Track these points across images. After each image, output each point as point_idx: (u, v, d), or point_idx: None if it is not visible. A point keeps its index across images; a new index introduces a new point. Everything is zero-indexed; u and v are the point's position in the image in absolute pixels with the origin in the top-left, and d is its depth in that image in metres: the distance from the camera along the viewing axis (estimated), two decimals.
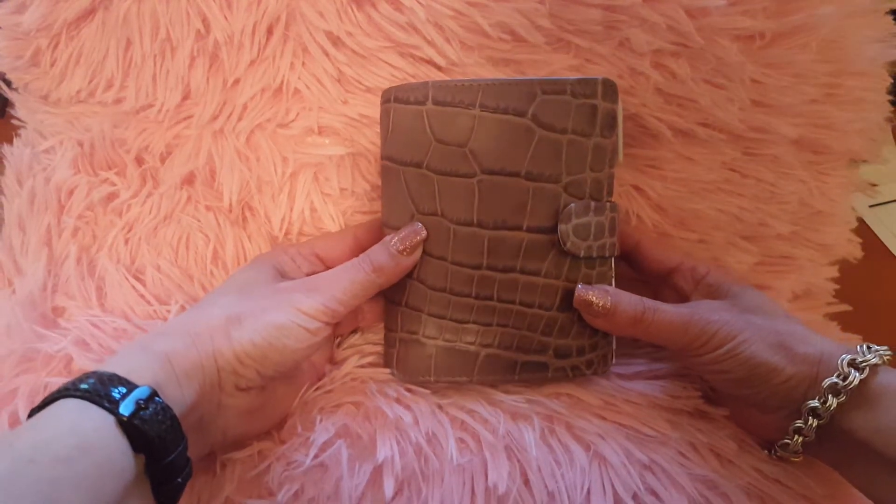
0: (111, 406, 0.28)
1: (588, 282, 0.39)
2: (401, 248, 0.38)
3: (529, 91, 0.37)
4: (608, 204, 0.39)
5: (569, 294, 0.39)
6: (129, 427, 0.28)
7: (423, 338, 0.40)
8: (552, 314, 0.39)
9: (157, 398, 0.29)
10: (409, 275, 0.39)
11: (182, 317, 0.37)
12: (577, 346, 0.40)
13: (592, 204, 0.38)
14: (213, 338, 0.34)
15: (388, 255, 0.38)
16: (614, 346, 0.42)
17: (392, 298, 0.41)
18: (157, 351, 0.32)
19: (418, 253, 0.39)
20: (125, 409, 0.28)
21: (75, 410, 0.28)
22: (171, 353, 0.32)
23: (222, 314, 0.35)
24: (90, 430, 0.27)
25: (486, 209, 0.38)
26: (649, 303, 0.38)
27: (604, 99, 0.38)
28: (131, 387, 0.29)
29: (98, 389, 0.28)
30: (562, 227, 0.38)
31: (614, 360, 0.42)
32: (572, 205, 0.38)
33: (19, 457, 0.25)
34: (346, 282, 0.37)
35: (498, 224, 0.38)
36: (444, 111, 0.37)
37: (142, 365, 0.31)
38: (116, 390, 0.28)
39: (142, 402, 0.28)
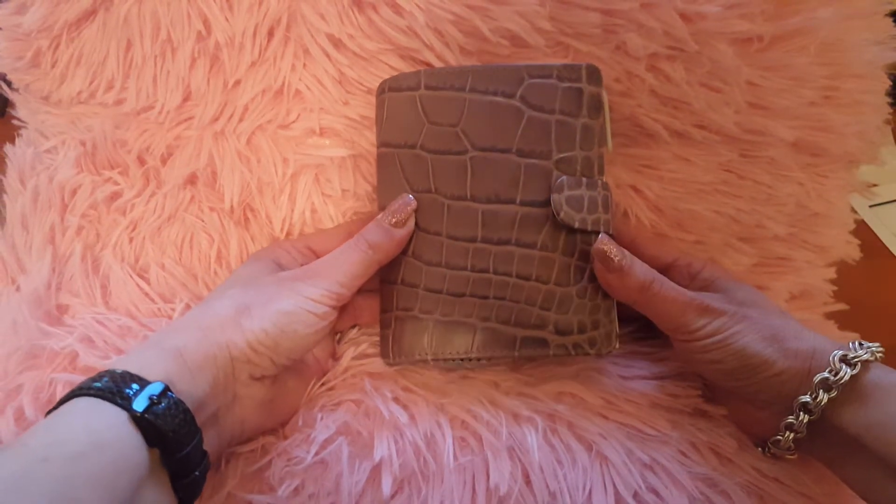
0: (124, 402, 0.28)
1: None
2: (393, 220, 0.39)
3: (517, 75, 0.39)
4: (600, 181, 0.40)
5: (566, 268, 0.39)
6: (142, 422, 0.28)
7: (420, 313, 0.40)
8: (550, 287, 0.39)
9: (169, 393, 0.29)
10: (404, 252, 0.40)
11: (191, 313, 0.37)
12: (578, 323, 0.39)
13: (584, 180, 0.39)
14: (224, 329, 0.34)
15: (382, 230, 0.39)
16: (617, 327, 0.40)
17: (388, 278, 0.41)
18: (168, 347, 0.32)
19: (411, 223, 0.39)
20: (138, 404, 0.28)
21: (89, 409, 0.28)
22: (182, 349, 0.32)
23: (231, 305, 0.36)
24: (104, 427, 0.27)
25: (479, 184, 0.39)
26: (658, 275, 0.38)
27: (588, 83, 0.39)
28: (144, 383, 0.29)
29: (111, 387, 0.29)
30: (555, 196, 0.38)
31: (618, 344, 0.40)
32: (564, 177, 0.39)
33: (33, 456, 0.25)
34: (346, 264, 0.38)
35: (491, 198, 0.39)
36: (436, 95, 0.39)
37: (154, 361, 0.31)
38: (129, 387, 0.29)
39: (154, 397, 0.29)
